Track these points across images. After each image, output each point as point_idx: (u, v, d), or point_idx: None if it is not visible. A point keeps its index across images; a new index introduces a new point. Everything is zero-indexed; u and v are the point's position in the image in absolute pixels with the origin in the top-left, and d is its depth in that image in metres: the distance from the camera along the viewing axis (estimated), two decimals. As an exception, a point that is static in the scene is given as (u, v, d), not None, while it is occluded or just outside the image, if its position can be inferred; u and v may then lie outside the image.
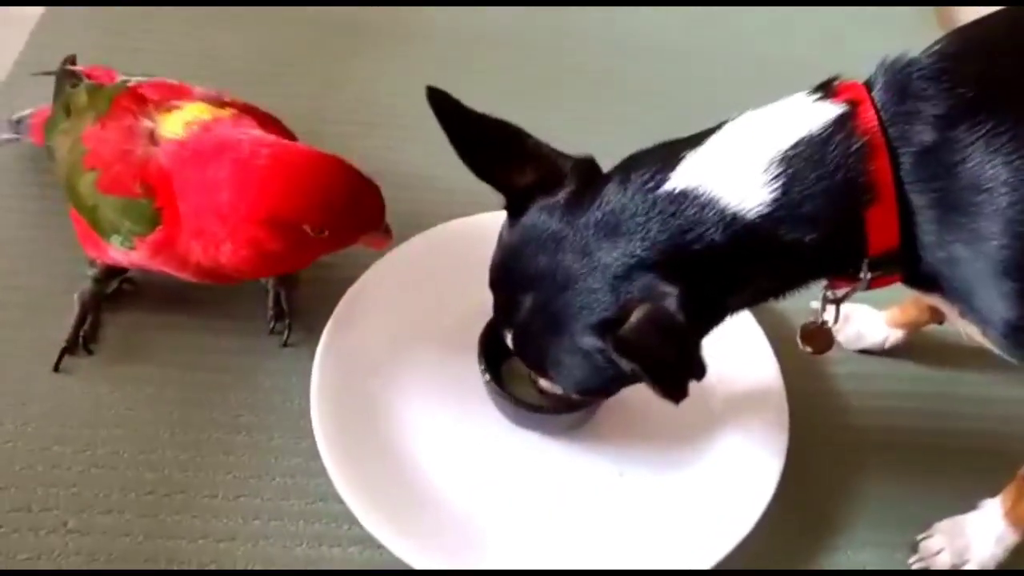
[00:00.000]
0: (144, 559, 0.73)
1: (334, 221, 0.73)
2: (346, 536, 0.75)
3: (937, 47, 0.59)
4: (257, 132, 0.76)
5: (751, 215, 0.58)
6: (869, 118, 0.58)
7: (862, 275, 0.61)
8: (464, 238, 0.88)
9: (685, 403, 0.83)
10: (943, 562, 0.76)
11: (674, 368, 0.58)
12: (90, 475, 0.76)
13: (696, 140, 0.62)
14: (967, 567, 0.76)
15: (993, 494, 0.77)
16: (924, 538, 0.78)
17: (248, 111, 0.80)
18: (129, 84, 0.80)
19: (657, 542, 0.76)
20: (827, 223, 0.58)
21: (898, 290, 0.84)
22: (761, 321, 0.87)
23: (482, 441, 0.81)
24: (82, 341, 0.83)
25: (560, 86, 1.14)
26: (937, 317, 0.85)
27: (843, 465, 0.84)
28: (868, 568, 0.78)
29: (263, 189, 0.71)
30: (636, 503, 0.79)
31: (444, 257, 0.88)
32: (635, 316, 0.58)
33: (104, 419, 0.80)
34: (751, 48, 1.20)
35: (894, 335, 0.89)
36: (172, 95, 0.79)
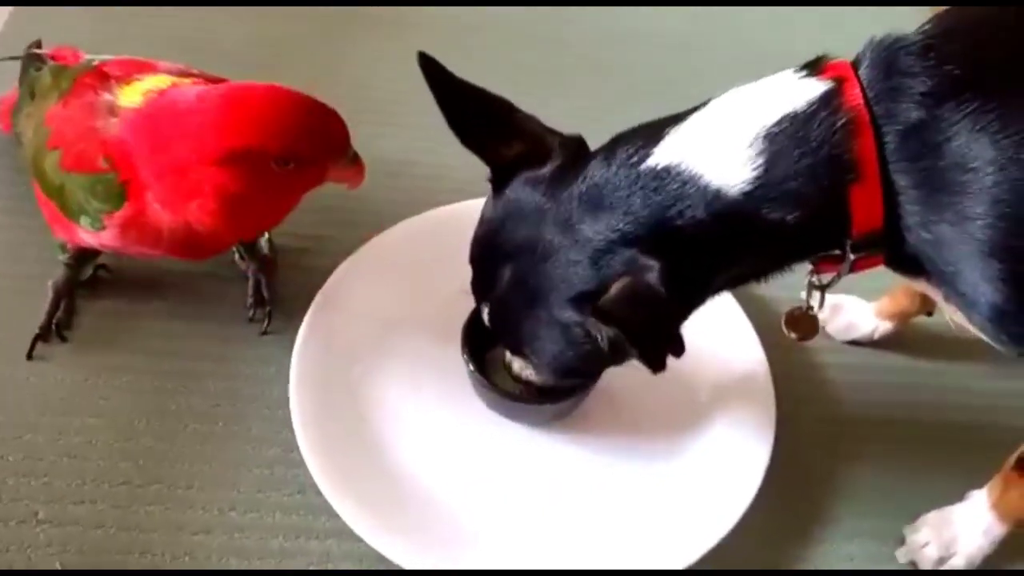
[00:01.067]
0: (117, 551, 0.71)
1: (295, 146, 0.69)
2: (324, 528, 0.74)
3: (926, 27, 0.58)
4: (207, 86, 0.73)
5: (733, 192, 0.57)
6: (854, 95, 0.56)
7: (848, 255, 0.60)
8: (448, 226, 0.86)
9: (672, 394, 0.83)
10: (929, 554, 0.76)
11: (654, 339, 0.57)
12: (63, 465, 0.75)
13: (680, 117, 0.61)
14: (953, 559, 0.75)
15: (981, 485, 0.76)
16: (911, 529, 0.78)
17: (214, 82, 0.76)
18: (94, 63, 0.78)
19: (644, 534, 0.75)
20: (810, 201, 0.57)
21: (888, 281, 0.84)
22: (748, 312, 0.86)
23: (464, 432, 0.80)
24: (55, 328, 0.81)
25: (560, 76, 1.12)
26: (926, 308, 0.84)
27: (831, 456, 0.83)
28: (855, 558, 0.77)
29: (216, 126, 0.69)
30: (622, 495, 0.78)
31: (427, 245, 0.86)
32: (615, 288, 0.57)
33: (78, 408, 0.78)
34: (751, 42, 1.19)
35: (883, 326, 0.88)
36: (136, 70, 0.77)
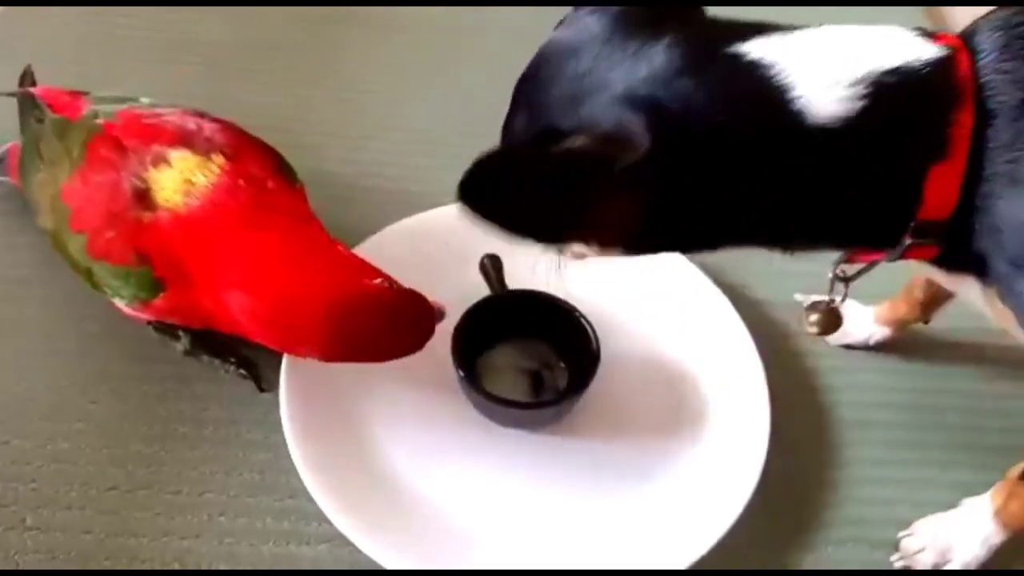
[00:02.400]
0: (105, 557, 0.70)
1: (390, 356, 0.71)
2: (315, 534, 0.73)
3: None
4: (283, 223, 0.70)
5: (816, 119, 0.51)
6: (965, 69, 0.52)
7: (904, 240, 0.55)
8: (439, 230, 0.86)
9: (665, 398, 0.82)
10: (924, 561, 0.75)
11: (576, 212, 0.51)
12: (50, 470, 0.74)
13: (788, 28, 0.55)
14: (949, 567, 0.75)
15: (977, 492, 0.75)
16: (906, 536, 0.77)
17: (232, 148, 0.73)
18: (100, 123, 0.74)
19: (636, 538, 0.74)
20: (889, 167, 0.53)
21: (886, 288, 0.84)
22: (743, 315, 0.86)
23: (457, 438, 0.79)
24: (247, 371, 0.81)
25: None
26: (924, 316, 0.84)
27: (825, 461, 0.82)
28: (849, 566, 0.76)
29: (316, 337, 0.68)
30: (615, 499, 0.77)
31: (419, 249, 0.86)
32: (581, 139, 0.50)
33: (66, 413, 0.77)
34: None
35: (880, 332, 0.88)
36: (148, 137, 0.72)
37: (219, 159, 0.72)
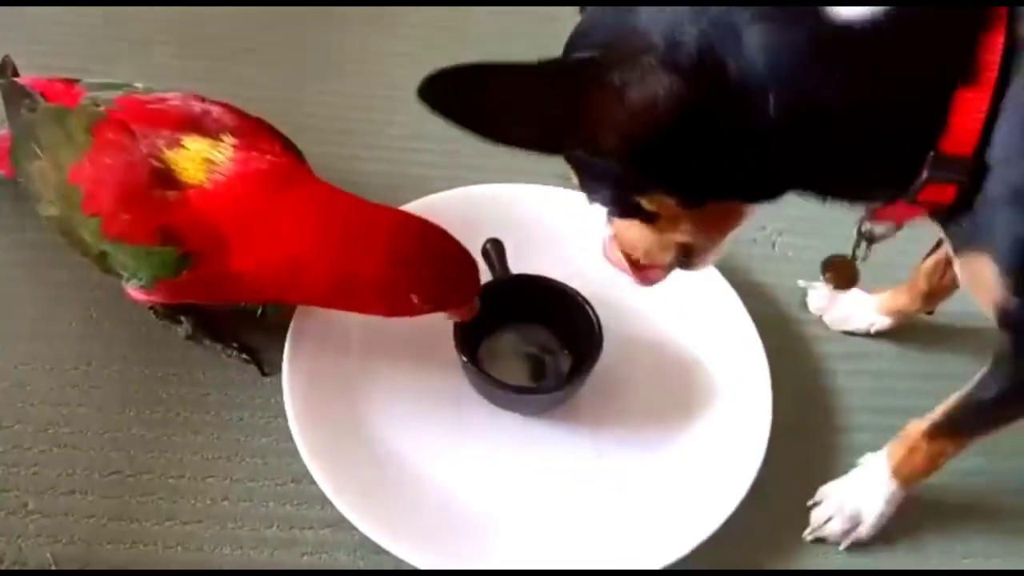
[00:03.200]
0: (108, 541, 0.70)
1: (437, 300, 0.73)
2: (318, 518, 0.73)
3: None
4: (313, 186, 0.73)
5: (842, 17, 0.49)
6: None
7: (922, 174, 0.52)
8: (442, 213, 0.85)
9: (666, 386, 0.82)
10: (834, 529, 0.75)
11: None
12: (52, 455, 0.74)
13: None
14: (859, 529, 0.75)
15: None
16: (813, 504, 0.77)
17: (239, 130, 0.74)
18: (102, 109, 0.74)
19: (636, 525, 0.74)
20: (914, 79, 0.51)
21: (893, 277, 0.84)
22: (746, 302, 0.86)
23: (459, 422, 0.79)
24: (249, 356, 0.81)
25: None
26: (927, 307, 0.84)
27: (828, 445, 0.82)
28: (851, 558, 0.76)
29: (384, 259, 0.70)
30: (615, 486, 0.77)
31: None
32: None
33: (68, 397, 0.77)
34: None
35: (881, 321, 0.88)
36: (154, 121, 0.72)
37: (230, 139, 0.72)
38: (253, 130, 0.75)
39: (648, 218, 0.60)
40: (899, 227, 0.63)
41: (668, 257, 0.64)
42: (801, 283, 0.92)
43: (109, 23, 1.07)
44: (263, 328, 0.82)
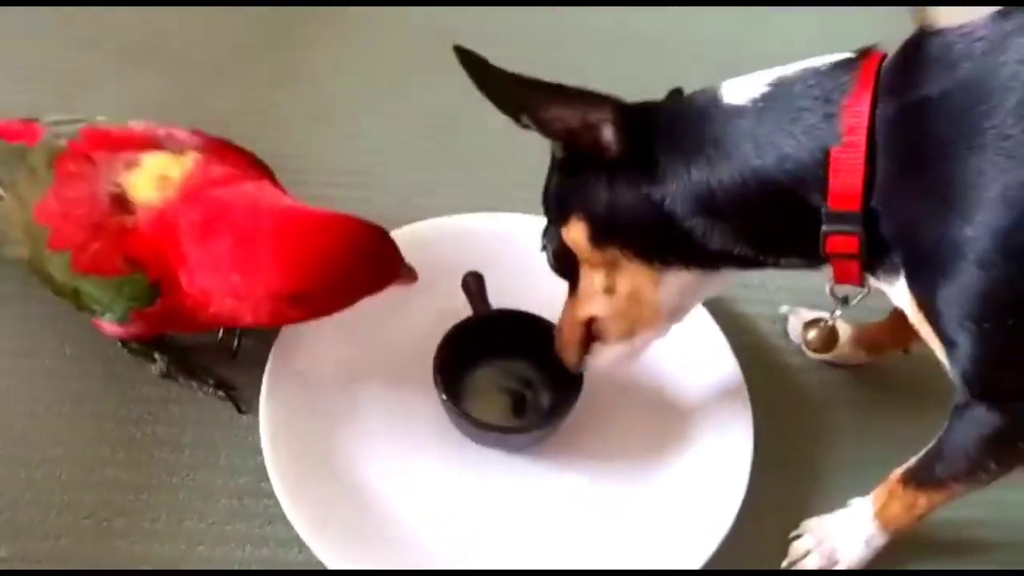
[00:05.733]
0: (83, 588, 0.69)
1: (356, 288, 0.71)
2: (295, 561, 0.72)
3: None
4: (246, 189, 0.71)
5: (732, 103, 0.60)
6: (869, 66, 0.57)
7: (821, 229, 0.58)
8: (419, 245, 0.85)
9: (647, 416, 0.82)
10: (811, 564, 0.75)
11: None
12: (25, 499, 0.73)
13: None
14: (837, 567, 0.75)
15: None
16: (795, 536, 0.77)
17: (205, 148, 0.73)
18: (63, 143, 0.72)
19: (621, 556, 0.74)
20: (795, 150, 0.57)
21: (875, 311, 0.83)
22: (726, 331, 0.85)
23: (439, 459, 0.78)
24: (225, 393, 0.80)
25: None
26: (904, 344, 0.83)
27: (809, 472, 0.82)
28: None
29: (279, 268, 0.67)
30: (600, 516, 0.77)
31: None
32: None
33: (41, 438, 0.76)
34: (724, 43, 1.18)
35: (860, 355, 0.87)
36: (117, 146, 0.71)
37: (193, 154, 0.71)
38: (219, 148, 0.74)
39: (573, 281, 0.69)
40: (867, 287, 0.63)
41: (578, 332, 0.72)
42: (783, 309, 0.91)
43: (66, 58, 1.05)
44: (239, 364, 0.81)
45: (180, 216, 0.68)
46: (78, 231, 0.69)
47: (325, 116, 1.04)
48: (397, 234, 0.86)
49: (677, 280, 0.66)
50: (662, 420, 0.82)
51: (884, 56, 0.58)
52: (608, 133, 0.60)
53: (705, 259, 0.64)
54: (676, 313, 0.70)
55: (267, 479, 0.73)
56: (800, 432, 0.85)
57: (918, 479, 0.69)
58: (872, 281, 0.62)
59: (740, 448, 0.78)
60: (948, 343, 0.58)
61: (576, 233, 0.65)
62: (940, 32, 0.56)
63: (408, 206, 0.90)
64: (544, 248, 0.71)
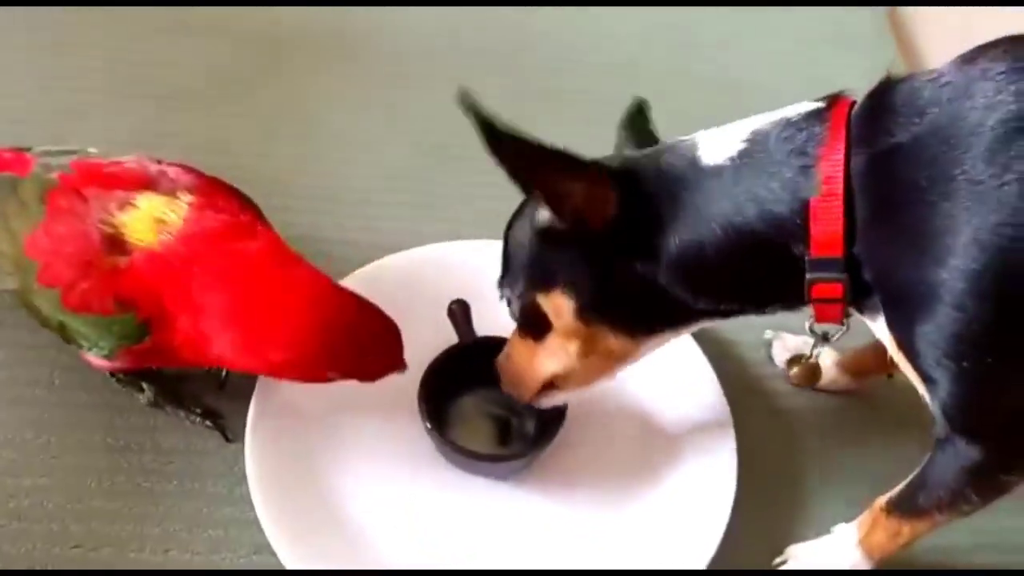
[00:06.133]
0: (68, 620, 0.70)
1: (354, 372, 0.72)
2: (282, 592, 0.72)
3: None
4: (240, 246, 0.71)
5: (711, 163, 0.61)
6: (840, 114, 0.58)
7: (805, 275, 0.59)
8: (405, 272, 0.86)
9: (631, 442, 0.82)
10: None
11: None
12: (12, 529, 0.73)
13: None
14: None
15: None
16: (780, 562, 0.78)
17: (196, 188, 0.73)
18: (55, 176, 0.73)
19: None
20: (774, 204, 0.58)
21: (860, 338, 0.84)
22: (711, 356, 0.86)
23: (426, 488, 0.79)
24: (213, 422, 0.80)
25: (518, 103, 1.10)
26: (888, 369, 0.84)
27: (793, 498, 0.83)
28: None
29: (282, 339, 0.69)
30: (582, 546, 0.77)
31: (385, 294, 0.84)
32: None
33: (27, 467, 0.76)
34: (707, 66, 1.19)
35: (842, 379, 0.88)
36: (109, 183, 0.72)
37: (187, 196, 0.72)
38: (210, 188, 0.75)
39: (539, 333, 0.69)
40: (846, 326, 0.64)
41: (537, 385, 0.72)
42: (767, 335, 0.92)
43: (56, 88, 1.05)
44: (227, 393, 0.82)
45: (183, 262, 0.69)
46: (68, 268, 0.70)
47: (314, 144, 1.04)
48: (384, 262, 0.88)
49: (657, 341, 0.68)
50: (647, 445, 0.83)
51: (853, 103, 0.59)
52: (612, 210, 0.61)
53: (691, 318, 0.66)
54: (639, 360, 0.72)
55: (253, 509, 0.73)
56: (785, 458, 0.85)
57: (901, 508, 0.70)
58: (856, 315, 0.63)
59: (724, 474, 0.79)
60: (928, 380, 0.59)
61: (560, 305, 0.66)
62: (907, 78, 0.57)
63: (395, 234, 0.90)
64: (506, 301, 0.71)
